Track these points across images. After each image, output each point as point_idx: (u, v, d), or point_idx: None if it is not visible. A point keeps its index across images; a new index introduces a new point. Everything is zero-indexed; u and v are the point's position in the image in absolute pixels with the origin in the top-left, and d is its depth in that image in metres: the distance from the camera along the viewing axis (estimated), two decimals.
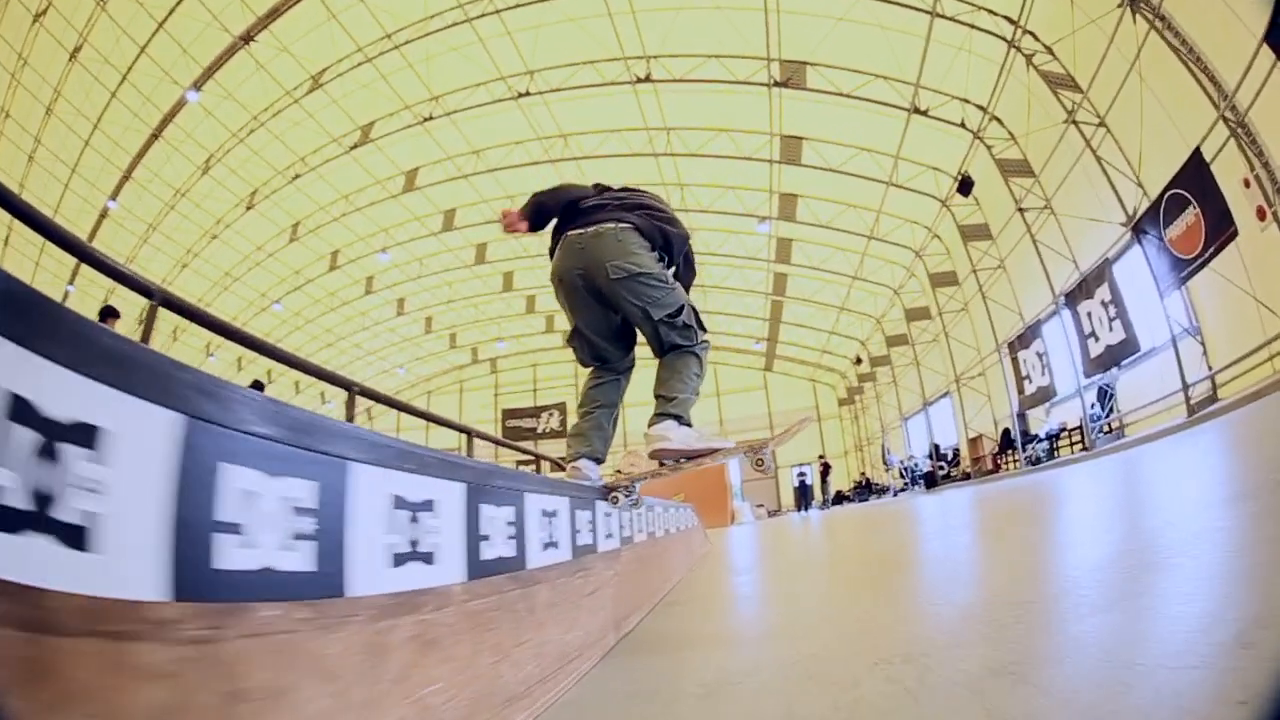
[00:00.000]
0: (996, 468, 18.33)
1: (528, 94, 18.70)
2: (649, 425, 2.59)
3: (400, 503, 1.41)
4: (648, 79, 17.58)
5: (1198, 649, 1.28)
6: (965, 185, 16.36)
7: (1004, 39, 13.81)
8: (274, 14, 16.89)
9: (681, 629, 2.99)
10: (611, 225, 2.60)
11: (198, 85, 18.18)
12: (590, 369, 2.94)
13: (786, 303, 28.31)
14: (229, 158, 21.14)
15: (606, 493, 2.76)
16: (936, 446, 23.05)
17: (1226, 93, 9.37)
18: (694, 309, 2.73)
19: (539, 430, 35.89)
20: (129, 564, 0.86)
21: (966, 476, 19.95)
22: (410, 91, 19.39)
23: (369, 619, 1.25)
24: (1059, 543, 3.74)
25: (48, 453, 0.80)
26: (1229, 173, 9.46)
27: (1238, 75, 9.10)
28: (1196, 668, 1.21)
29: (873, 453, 30.91)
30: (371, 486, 1.32)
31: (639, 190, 2.92)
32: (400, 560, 1.38)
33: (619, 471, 2.84)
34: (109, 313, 9.50)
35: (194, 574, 0.93)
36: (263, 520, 1.06)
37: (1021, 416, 17.11)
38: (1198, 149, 9.76)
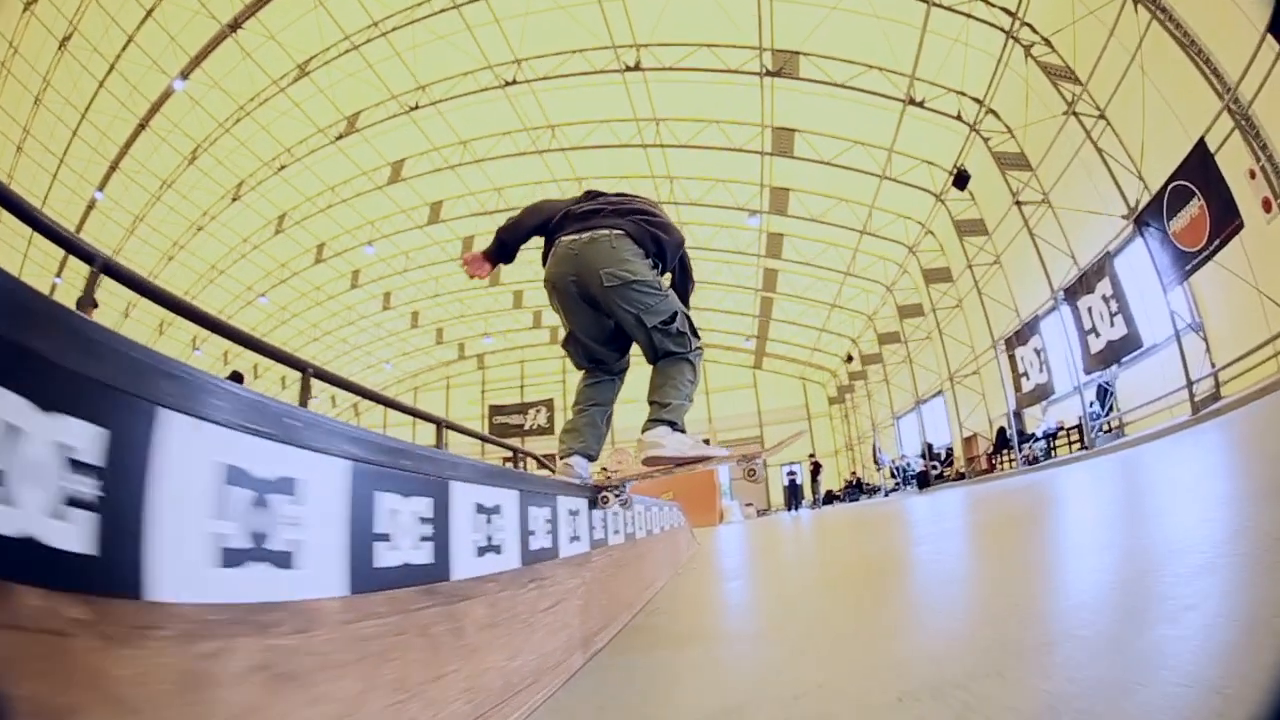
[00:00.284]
0: (991, 467, 18.06)
1: (514, 82, 18.30)
2: (642, 431, 2.58)
3: (239, 477, 1.01)
4: (637, 67, 17.20)
5: None
6: (961, 179, 16.04)
7: (1002, 29, 13.51)
8: (261, 1, 16.67)
9: (664, 646, 2.58)
10: (605, 232, 2.57)
11: (185, 74, 18.08)
12: (585, 370, 2.94)
13: (777, 299, 27.98)
14: (215, 148, 20.92)
15: (596, 493, 2.70)
16: (929, 446, 22.78)
17: (1229, 84, 9.15)
18: (687, 316, 2.72)
19: (526, 427, 35.42)
20: None
21: (961, 476, 19.68)
22: (397, 81, 19.08)
23: (182, 637, 0.87)
24: (1081, 543, 3.39)
25: None
26: (1233, 164, 9.23)
27: (1240, 66, 8.90)
28: None
29: (864, 452, 30.65)
30: (190, 449, 0.93)
31: (633, 195, 2.89)
32: (236, 559, 0.98)
33: (604, 470, 2.82)
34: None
35: None
36: None
37: (1018, 415, 16.82)
38: (1202, 139, 9.50)
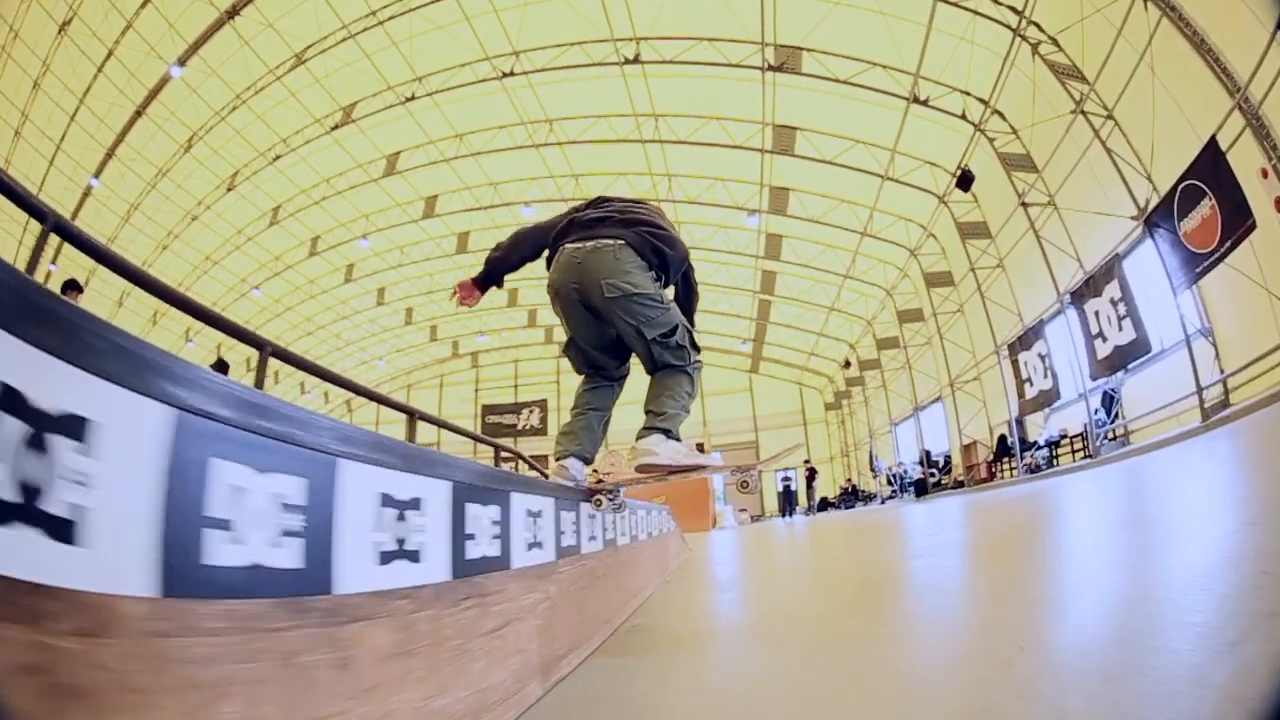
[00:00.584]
0: (991, 476, 17.72)
1: (512, 74, 18.00)
2: (637, 438, 2.56)
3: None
4: (636, 60, 16.90)
5: None
6: (965, 180, 15.72)
7: (1009, 27, 13.23)
8: None
9: (641, 673, 2.21)
10: (609, 242, 2.56)
11: (182, 61, 17.97)
12: (584, 375, 2.94)
13: (775, 302, 27.67)
14: (211, 136, 20.72)
15: (590, 495, 2.70)
16: (928, 453, 22.44)
17: (1239, 83, 8.94)
18: (689, 329, 2.71)
19: (519, 427, 35.01)
20: None
21: (959, 484, 19.35)
22: (393, 71, 18.84)
23: None
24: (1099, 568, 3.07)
25: None
26: (1244, 164, 8.96)
27: (1249, 65, 8.69)
28: None
29: (860, 458, 30.30)
30: None
31: (640, 203, 2.86)
32: None
33: (595, 470, 2.83)
34: (71, 285, 8.79)
35: None
36: None
37: (1019, 423, 16.48)
38: (1213, 137, 9.22)
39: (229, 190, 22.89)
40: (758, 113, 17.94)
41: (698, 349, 2.72)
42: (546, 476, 2.77)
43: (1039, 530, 4.64)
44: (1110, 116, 12.04)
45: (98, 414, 0.83)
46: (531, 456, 10.11)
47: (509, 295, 30.50)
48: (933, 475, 21.47)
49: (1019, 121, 14.61)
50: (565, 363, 2.94)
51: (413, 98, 19.28)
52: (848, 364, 28.60)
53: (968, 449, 20.16)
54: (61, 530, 0.78)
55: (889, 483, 25.33)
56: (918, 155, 17.40)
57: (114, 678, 0.80)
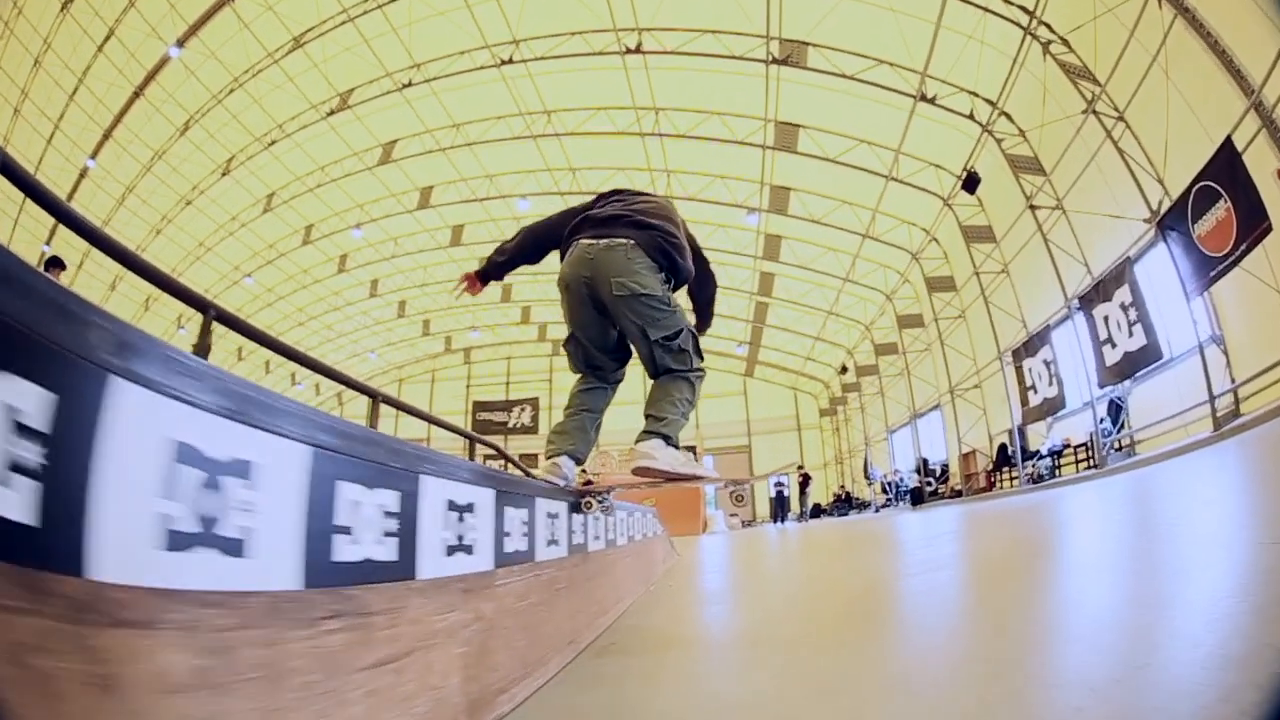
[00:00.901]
0: (990, 485, 17.32)
1: (510, 61, 17.66)
2: (636, 442, 2.59)
3: None
4: (638, 49, 16.56)
5: None
6: (971, 182, 15.36)
7: (1019, 25, 12.94)
8: None
9: (607, 704, 1.77)
10: (623, 240, 2.59)
11: (181, 42, 17.77)
12: (580, 374, 2.94)
13: (772, 305, 27.32)
14: (207, 120, 20.48)
15: (579, 498, 2.69)
16: (924, 461, 22.05)
17: (1254, 85, 8.74)
18: (694, 335, 2.74)
19: (510, 425, 34.48)
20: None
21: (957, 494, 18.98)
22: (391, 57, 18.52)
23: None
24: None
25: None
26: (1260, 165, 8.69)
27: (1264, 67, 8.50)
28: None
29: (854, 465, 29.91)
30: None
31: (653, 197, 2.91)
32: None
33: (584, 471, 2.88)
34: (54, 263, 8.37)
35: None
36: None
37: (1021, 431, 16.09)
38: (1229, 138, 8.93)
39: (224, 175, 22.60)
40: (760, 108, 17.63)
41: (701, 355, 2.75)
42: (534, 477, 2.73)
43: (1041, 544, 4.29)
44: (1122, 118, 11.77)
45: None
46: (522, 456, 9.65)
47: (503, 290, 30.10)
48: (929, 483, 21.10)
49: (1027, 123, 14.31)
50: (558, 361, 2.82)
51: (410, 84, 18.94)
52: (844, 369, 28.24)
53: (966, 458, 19.77)
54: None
55: (884, 490, 24.96)
56: (922, 156, 17.09)
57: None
